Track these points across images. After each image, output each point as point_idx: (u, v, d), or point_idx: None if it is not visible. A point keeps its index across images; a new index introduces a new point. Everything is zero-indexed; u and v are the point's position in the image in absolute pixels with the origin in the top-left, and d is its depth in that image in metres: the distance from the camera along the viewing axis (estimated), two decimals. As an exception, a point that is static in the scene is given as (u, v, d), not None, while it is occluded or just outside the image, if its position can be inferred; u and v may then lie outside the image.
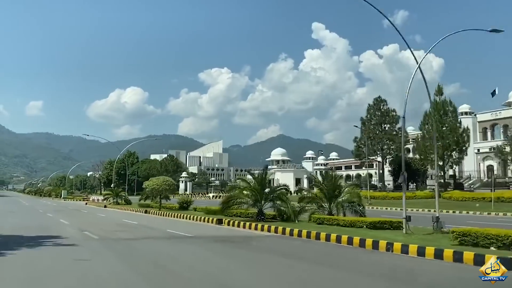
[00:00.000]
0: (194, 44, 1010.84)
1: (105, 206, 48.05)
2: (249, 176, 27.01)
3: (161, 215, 31.66)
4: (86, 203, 58.45)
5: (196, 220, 25.32)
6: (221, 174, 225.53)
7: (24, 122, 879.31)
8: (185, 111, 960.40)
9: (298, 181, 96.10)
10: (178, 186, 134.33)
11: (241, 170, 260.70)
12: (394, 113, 59.30)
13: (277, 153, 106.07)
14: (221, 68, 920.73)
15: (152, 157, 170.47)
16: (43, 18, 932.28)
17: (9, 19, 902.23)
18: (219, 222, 22.91)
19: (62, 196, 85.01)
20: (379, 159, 61.85)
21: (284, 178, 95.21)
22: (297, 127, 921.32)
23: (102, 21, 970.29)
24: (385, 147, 59.18)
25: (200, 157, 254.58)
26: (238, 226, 21.06)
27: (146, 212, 36.18)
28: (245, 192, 24.34)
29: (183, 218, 27.32)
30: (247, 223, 20.59)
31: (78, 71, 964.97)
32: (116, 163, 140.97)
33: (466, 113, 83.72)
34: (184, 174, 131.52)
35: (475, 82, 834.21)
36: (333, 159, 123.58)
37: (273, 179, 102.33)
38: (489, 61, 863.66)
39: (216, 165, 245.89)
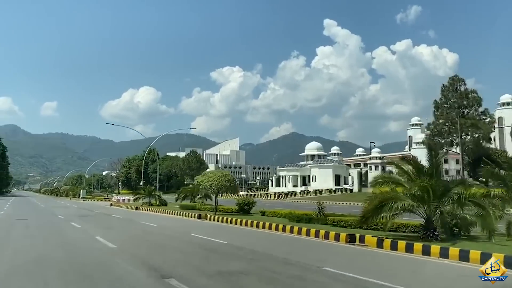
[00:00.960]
0: (206, 43, 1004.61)
1: (136, 208, 38.53)
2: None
3: (233, 222, 21.80)
4: (111, 204, 48.97)
5: (324, 238, 15.07)
6: (239, 172, 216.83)
7: (39, 123, 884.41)
8: (198, 110, 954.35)
9: (337, 179, 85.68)
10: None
11: (259, 168, 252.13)
12: (476, 95, 48.70)
13: (312, 147, 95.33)
14: (233, 67, 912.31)
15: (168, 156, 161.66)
16: (56, 21, 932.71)
17: (24, 21, 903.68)
18: (379, 243, 12.92)
19: (81, 196, 75.97)
20: (455, 149, 51.23)
21: (322, 174, 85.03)
22: (309, 125, 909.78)
23: (114, 22, 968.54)
24: (465, 134, 48.57)
25: (216, 155, 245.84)
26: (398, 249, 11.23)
27: (200, 217, 26.45)
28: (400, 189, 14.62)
29: (284, 231, 17.34)
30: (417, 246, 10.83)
31: (91, 72, 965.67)
32: (136, 161, 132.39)
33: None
34: (208, 171, 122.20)
35: (490, 77, 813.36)
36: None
37: (309, 175, 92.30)
38: (505, 54, 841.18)
39: (233, 163, 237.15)
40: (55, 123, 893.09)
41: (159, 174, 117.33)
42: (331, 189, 76.02)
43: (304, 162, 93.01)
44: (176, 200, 41.10)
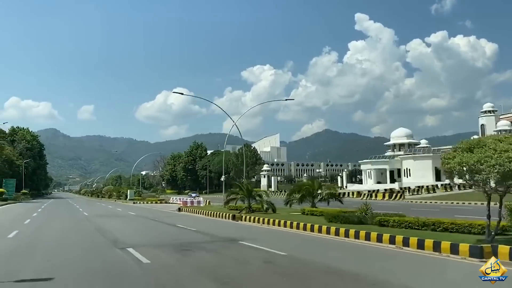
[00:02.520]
0: (236, 42, 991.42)
1: (233, 217, 22.84)
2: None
3: None
4: (179, 209, 33.39)
5: None
6: (281, 170, 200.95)
7: (77, 126, 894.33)
8: (229, 109, 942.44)
9: (437, 172, 67.18)
10: (259, 182, 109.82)
11: (302, 164, 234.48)
12: None
13: (400, 134, 76.63)
14: (264, 65, 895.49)
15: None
16: (93, 27, 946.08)
17: (62, 28, 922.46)
18: None
19: (128, 198, 61.40)
20: None
21: (418, 168, 66.96)
22: (343, 121, 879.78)
23: (146, 25, 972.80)
24: None
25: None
26: None
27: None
28: None
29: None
30: None
31: (126, 75, 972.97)
32: (183, 157, 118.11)
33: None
34: (265, 167, 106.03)
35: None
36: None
37: (399, 169, 74.57)
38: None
39: (275, 160, 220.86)
40: (93, 125, 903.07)
41: (209, 172, 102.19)
42: (435, 185, 58.34)
43: (391, 153, 75.06)
44: (287, 203, 25.66)
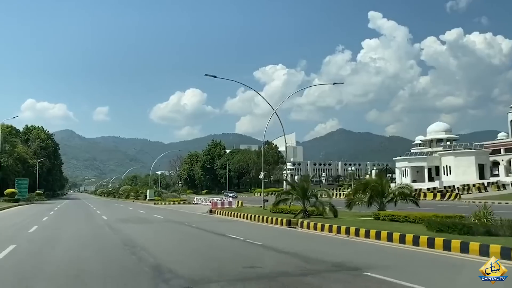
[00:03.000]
0: (248, 42, 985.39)
1: (289, 223, 18.06)
2: None
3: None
4: (210, 211, 28.58)
5: None
6: (297, 169, 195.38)
7: (92, 127, 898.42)
8: (242, 109, 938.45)
9: (481, 169, 61.37)
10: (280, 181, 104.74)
11: (319, 164, 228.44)
12: None
13: (437, 129, 70.36)
14: (276, 65, 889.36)
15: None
16: (106, 29, 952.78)
17: (75, 31, 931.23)
18: None
19: (148, 198, 56.93)
20: None
21: (459, 165, 60.97)
22: (357, 121, 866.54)
23: (159, 26, 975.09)
24: None
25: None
26: None
27: None
28: None
29: None
30: None
31: (139, 77, 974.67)
32: (201, 156, 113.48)
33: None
34: (289, 165, 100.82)
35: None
36: None
37: (437, 167, 68.66)
38: None
39: (291, 159, 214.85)
40: (107, 127, 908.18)
41: (229, 171, 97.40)
42: (482, 183, 52.59)
43: (429, 149, 69.07)
44: (348, 206, 21.01)
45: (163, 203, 48.55)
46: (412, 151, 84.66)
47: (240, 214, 24.34)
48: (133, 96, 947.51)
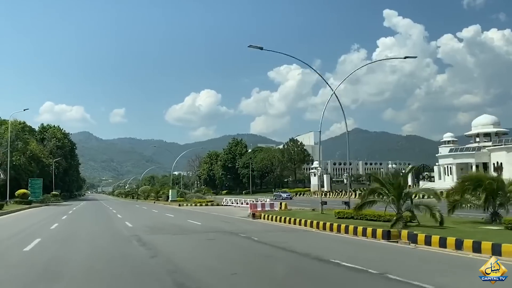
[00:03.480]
0: (262, 42, 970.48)
1: (387, 236, 12.25)
2: None
3: None
4: (253, 214, 23.24)
5: None
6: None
7: (109, 129, 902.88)
8: (257, 109, 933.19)
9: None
10: (309, 180, 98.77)
11: (340, 164, 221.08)
12: None
13: (484, 122, 63.18)
14: (290, 65, 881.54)
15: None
16: (121, 31, 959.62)
17: (90, 34, 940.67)
18: None
19: (170, 199, 51.94)
20: None
21: (510, 160, 54.35)
22: (372, 120, 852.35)
23: (173, 29, 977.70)
24: None
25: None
26: None
27: None
28: None
29: None
30: None
31: (155, 78, 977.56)
32: (222, 155, 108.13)
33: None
34: (315, 164, 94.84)
35: None
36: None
37: (486, 163, 61.99)
38: None
39: (313, 158, 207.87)
40: (124, 128, 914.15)
41: (252, 170, 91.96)
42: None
43: (468, 145, 62.32)
44: (452, 209, 16.46)
45: (188, 204, 43.40)
46: (440, 149, 77.96)
47: (297, 220, 18.88)
48: (148, 98, 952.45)
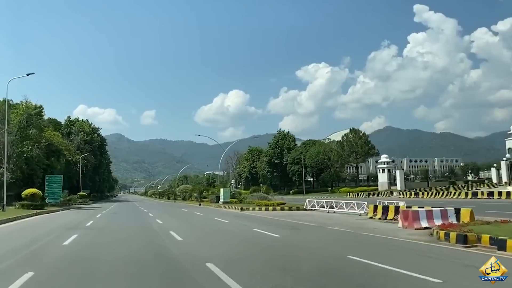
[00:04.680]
0: (290, 41, 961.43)
1: None
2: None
3: None
4: (432, 232, 10.05)
5: None
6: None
7: (141, 131, 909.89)
8: (285, 109, 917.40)
9: None
10: (376, 177, 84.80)
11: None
12: None
13: None
14: (318, 63, 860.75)
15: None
16: (156, 37, 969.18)
17: (123, 41, 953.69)
18: None
19: (223, 200, 39.70)
20: None
21: None
22: (404, 117, 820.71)
23: (202, 30, 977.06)
24: None
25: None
26: None
27: None
28: None
29: None
30: None
31: (184, 81, 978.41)
32: (266, 151, 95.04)
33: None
34: (383, 157, 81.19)
35: None
36: None
37: None
38: None
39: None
40: (155, 130, 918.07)
41: (304, 167, 78.96)
42: None
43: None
44: None
45: (250, 208, 30.86)
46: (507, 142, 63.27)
47: None
48: (178, 99, 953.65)
